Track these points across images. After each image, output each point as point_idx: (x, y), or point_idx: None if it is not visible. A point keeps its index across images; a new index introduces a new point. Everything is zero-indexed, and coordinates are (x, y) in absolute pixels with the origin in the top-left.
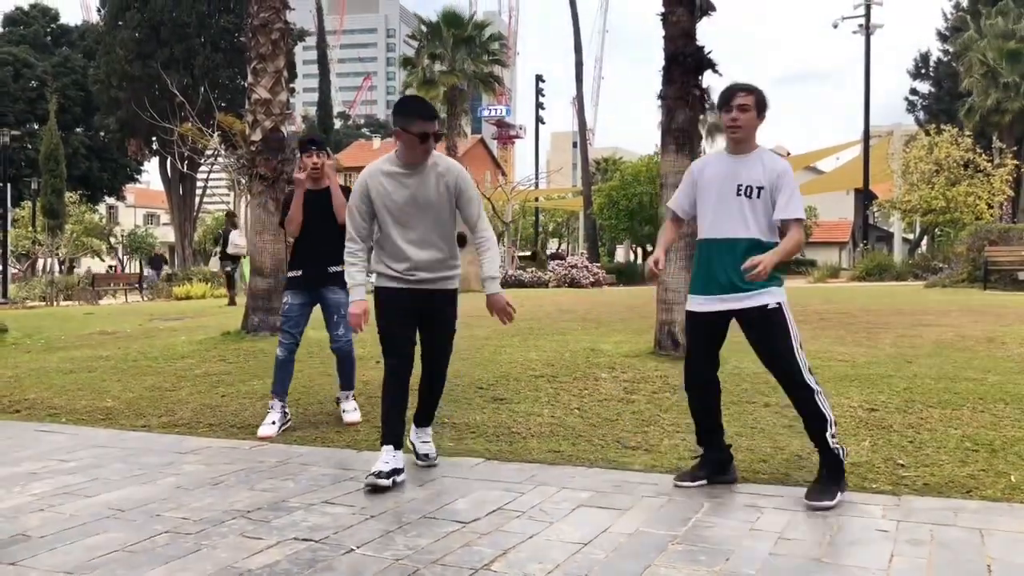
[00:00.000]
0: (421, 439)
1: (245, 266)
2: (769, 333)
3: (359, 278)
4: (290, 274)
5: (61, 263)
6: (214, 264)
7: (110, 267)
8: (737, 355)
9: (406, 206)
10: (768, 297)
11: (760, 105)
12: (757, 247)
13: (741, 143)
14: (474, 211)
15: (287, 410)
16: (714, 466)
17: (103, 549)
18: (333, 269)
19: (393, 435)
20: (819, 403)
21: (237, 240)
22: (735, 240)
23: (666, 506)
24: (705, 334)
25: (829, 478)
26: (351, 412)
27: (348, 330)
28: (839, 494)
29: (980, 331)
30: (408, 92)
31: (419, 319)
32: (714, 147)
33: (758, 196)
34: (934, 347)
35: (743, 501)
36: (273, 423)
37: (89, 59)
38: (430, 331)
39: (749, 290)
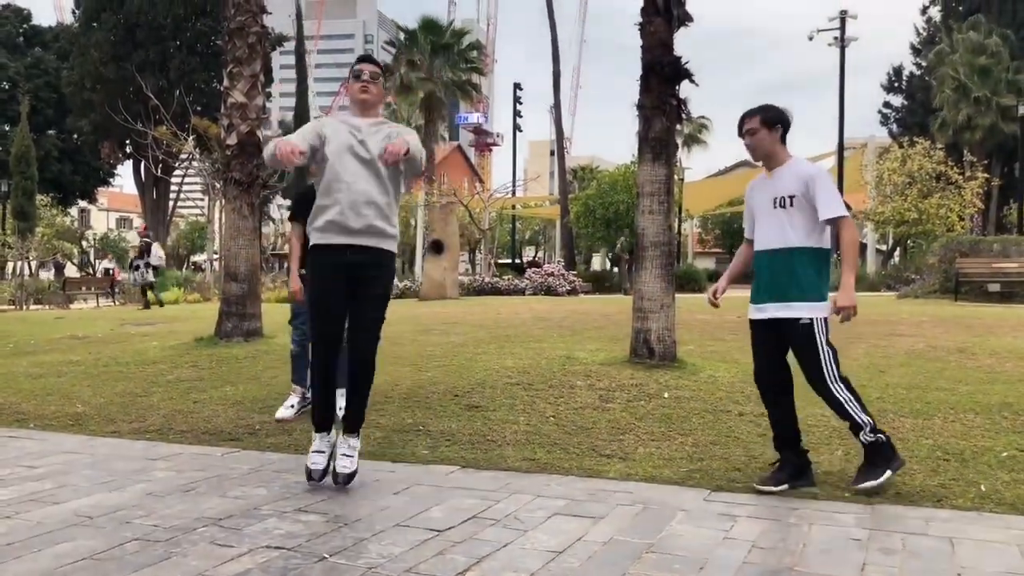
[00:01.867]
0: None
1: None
2: (799, 345)
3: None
4: (303, 272)
5: (38, 266)
6: (131, 276)
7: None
8: (712, 364)
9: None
10: (805, 311)
11: (768, 122)
12: (797, 253)
13: (767, 160)
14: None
15: (307, 395)
16: (793, 469)
17: (71, 557)
18: None
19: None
20: (850, 411)
21: (159, 252)
22: (774, 251)
23: (641, 514)
24: (762, 339)
25: (870, 463)
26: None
27: None
28: (887, 472)
29: (951, 342)
30: (387, 99)
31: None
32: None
33: (792, 204)
34: (906, 357)
35: (717, 510)
36: (292, 406)
37: (63, 61)
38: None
39: (787, 300)
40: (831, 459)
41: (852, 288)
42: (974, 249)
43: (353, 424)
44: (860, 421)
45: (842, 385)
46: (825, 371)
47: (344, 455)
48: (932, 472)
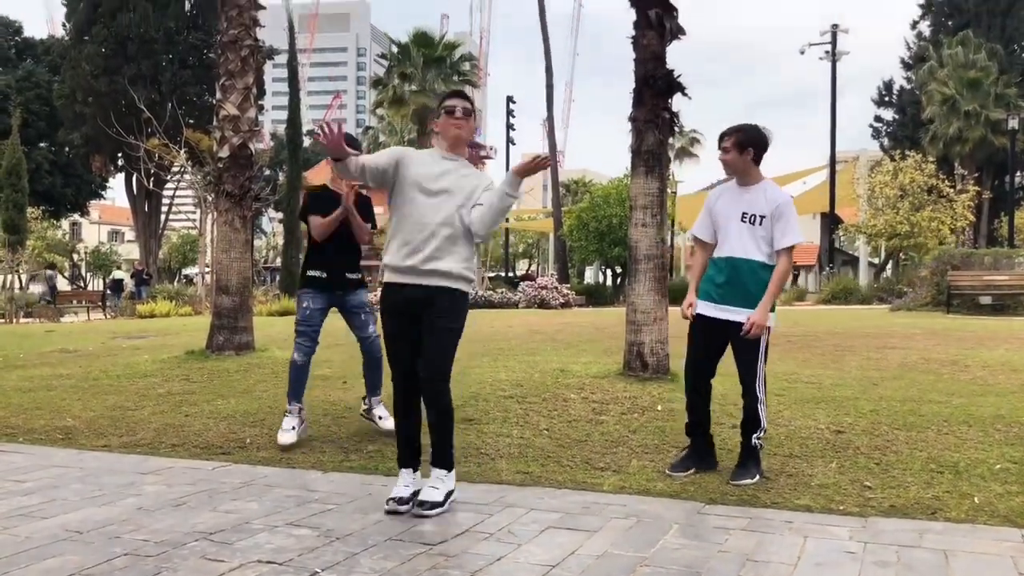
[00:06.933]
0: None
1: None
2: (744, 346)
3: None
4: (311, 273)
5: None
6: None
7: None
8: None
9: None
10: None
11: (742, 144)
12: (759, 266)
13: (738, 176)
14: None
15: (304, 413)
16: (700, 454)
17: (59, 572)
18: (351, 275)
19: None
20: (760, 412)
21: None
22: (739, 259)
23: (635, 528)
24: (706, 333)
25: (749, 462)
26: (387, 419)
27: (375, 327)
28: (757, 475)
29: (944, 354)
30: (379, 111)
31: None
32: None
33: (760, 223)
34: (899, 370)
35: (712, 523)
36: (292, 428)
37: (54, 73)
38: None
39: (742, 306)
40: (825, 471)
41: (767, 309)
42: (966, 262)
43: (437, 460)
44: (762, 423)
45: (764, 387)
46: (758, 373)
47: (430, 485)
48: (926, 484)
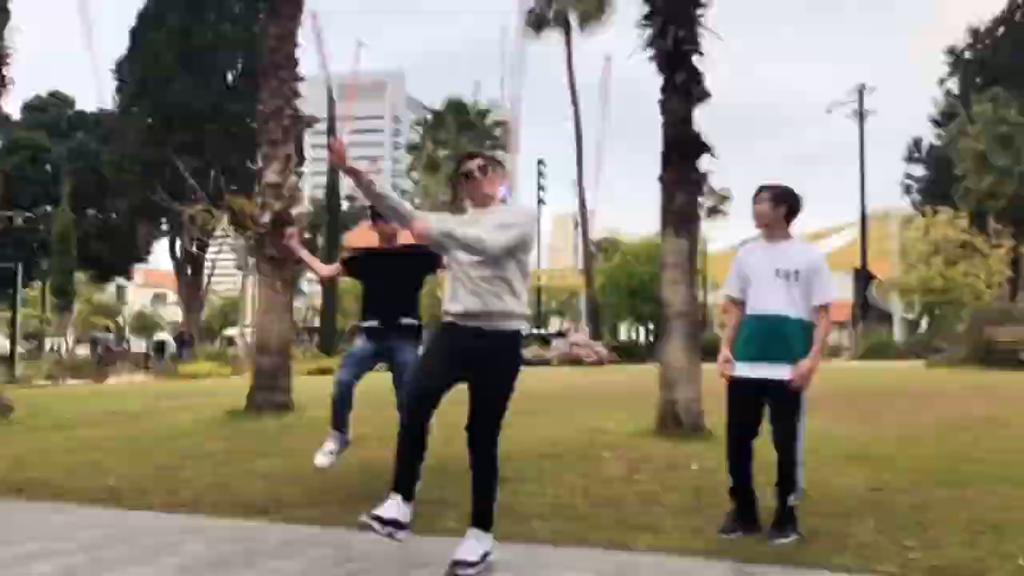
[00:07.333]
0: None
1: None
2: (783, 405)
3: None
4: (364, 324)
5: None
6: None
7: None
8: None
9: None
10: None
11: (777, 199)
12: (796, 322)
13: (768, 232)
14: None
15: (347, 437)
16: (746, 518)
17: None
18: (405, 321)
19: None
20: (797, 473)
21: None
22: (774, 316)
23: None
24: (745, 395)
25: (786, 522)
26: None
27: None
28: (794, 535)
29: (984, 411)
30: (412, 175)
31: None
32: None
33: (796, 279)
34: (938, 427)
35: None
36: (330, 452)
37: (103, 144)
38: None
39: (780, 363)
40: (863, 530)
41: (818, 360)
42: (1003, 317)
43: (476, 519)
44: (798, 485)
45: (801, 448)
46: (797, 435)
47: (469, 546)
48: (968, 545)
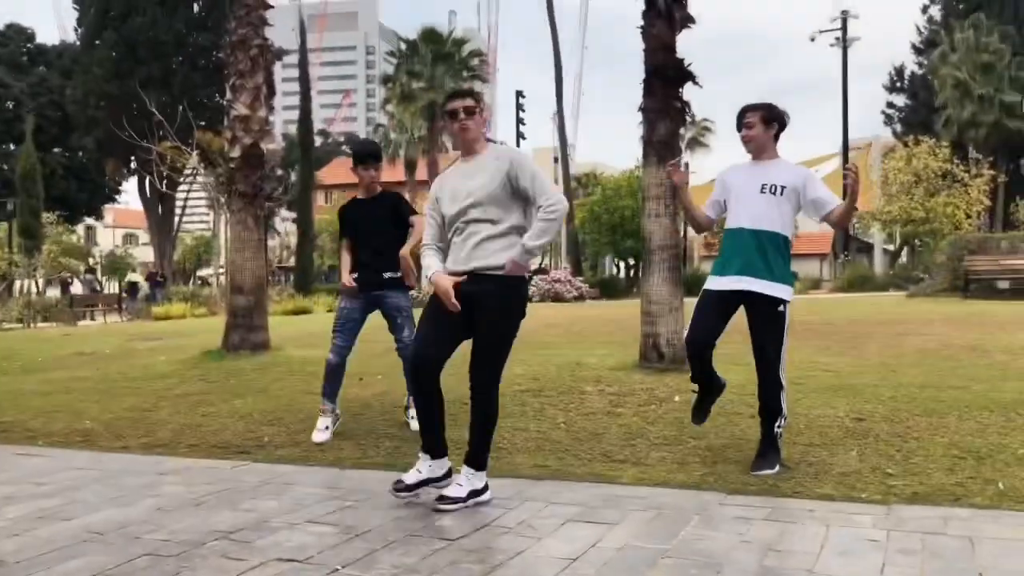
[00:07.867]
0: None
1: None
2: (766, 323)
3: (435, 262)
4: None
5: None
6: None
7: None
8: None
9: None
10: (783, 293)
11: (767, 119)
12: (780, 238)
13: (757, 154)
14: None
15: (338, 412)
16: (710, 388)
17: (81, 573)
18: (388, 275)
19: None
20: (782, 397)
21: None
22: (759, 231)
23: (655, 520)
24: (714, 306)
25: (769, 452)
26: (414, 420)
27: (412, 331)
28: (777, 465)
29: (963, 340)
30: (388, 107)
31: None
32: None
33: (782, 194)
34: (918, 356)
35: (733, 513)
36: (326, 428)
37: (66, 79)
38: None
39: (763, 278)
40: (846, 459)
41: (855, 200)
42: (982, 246)
43: (470, 458)
44: (783, 410)
45: (784, 371)
46: (782, 354)
47: (456, 483)
48: (948, 471)
